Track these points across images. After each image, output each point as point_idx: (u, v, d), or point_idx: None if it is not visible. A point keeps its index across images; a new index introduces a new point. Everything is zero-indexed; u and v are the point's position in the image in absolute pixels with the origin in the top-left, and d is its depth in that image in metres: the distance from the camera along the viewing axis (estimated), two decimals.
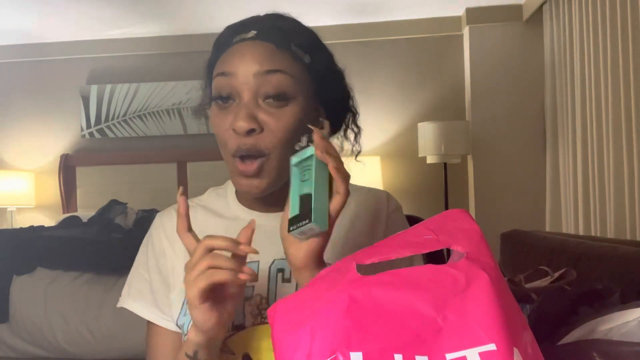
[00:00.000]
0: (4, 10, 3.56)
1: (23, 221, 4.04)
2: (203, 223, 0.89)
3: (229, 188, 0.95)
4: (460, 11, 3.83)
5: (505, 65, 3.70)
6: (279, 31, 0.82)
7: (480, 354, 0.42)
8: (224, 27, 0.89)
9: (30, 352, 2.19)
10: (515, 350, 0.43)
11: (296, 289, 0.82)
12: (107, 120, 4.11)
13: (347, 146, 0.97)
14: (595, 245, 1.67)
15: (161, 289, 0.89)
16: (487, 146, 3.71)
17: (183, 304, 0.85)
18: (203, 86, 0.93)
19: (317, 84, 0.85)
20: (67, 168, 4.08)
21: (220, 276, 0.66)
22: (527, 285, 1.25)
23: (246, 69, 0.78)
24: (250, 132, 0.78)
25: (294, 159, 0.71)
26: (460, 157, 3.66)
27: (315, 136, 0.69)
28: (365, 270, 0.52)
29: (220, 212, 0.92)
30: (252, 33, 0.82)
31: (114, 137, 4.12)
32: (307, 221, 0.66)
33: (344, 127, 0.94)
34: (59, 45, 4.17)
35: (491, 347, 0.42)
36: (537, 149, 3.64)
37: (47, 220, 4.09)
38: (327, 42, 0.93)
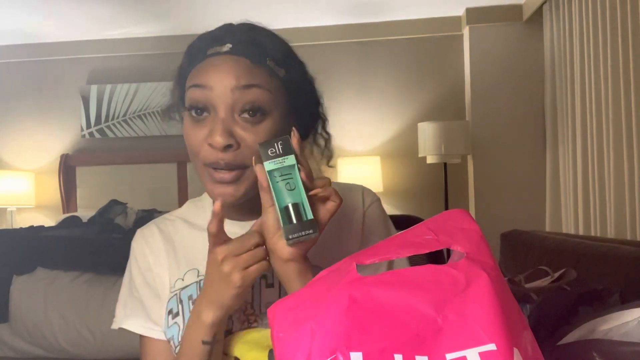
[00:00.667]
0: (5, 10, 3.56)
1: (23, 221, 4.04)
2: (187, 238, 0.91)
3: (208, 199, 0.94)
4: (460, 11, 3.83)
5: (505, 65, 3.70)
6: (254, 46, 0.82)
7: (480, 354, 0.42)
8: (248, 21, 0.89)
9: (30, 352, 2.19)
10: (515, 350, 0.43)
11: (279, 294, 0.83)
12: (107, 120, 4.11)
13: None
14: (595, 245, 1.67)
15: (153, 303, 0.90)
16: (487, 146, 3.71)
17: (167, 314, 0.87)
18: (172, 88, 0.93)
19: (292, 96, 0.85)
20: (67, 168, 4.08)
21: (266, 267, 0.73)
22: (527, 285, 1.25)
23: (223, 83, 0.78)
24: (227, 147, 0.78)
25: (271, 165, 0.71)
26: (460, 157, 3.66)
27: (296, 143, 0.71)
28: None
29: (200, 224, 0.92)
30: (228, 47, 0.81)
31: (114, 137, 4.12)
32: (310, 232, 0.69)
33: (313, 133, 0.95)
34: (59, 45, 4.17)
35: (491, 347, 0.42)
36: (537, 149, 3.64)
37: (47, 220, 4.09)
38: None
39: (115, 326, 0.94)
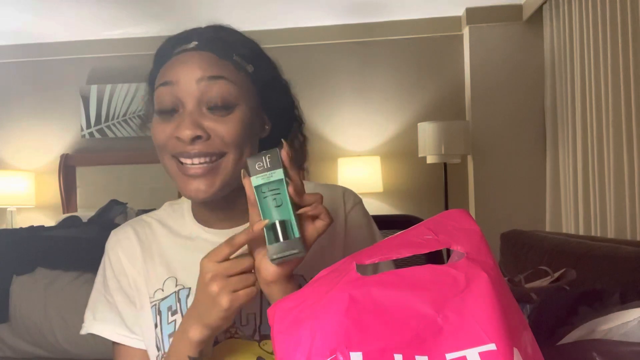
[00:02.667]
0: (4, 10, 3.56)
1: (23, 221, 4.04)
2: (165, 243, 0.88)
3: (185, 203, 0.92)
4: (460, 11, 3.83)
5: (505, 65, 3.70)
6: (220, 41, 0.81)
7: (480, 353, 0.42)
8: (216, 23, 0.88)
9: (30, 352, 2.19)
10: (515, 350, 0.43)
11: (261, 304, 0.81)
12: (107, 120, 4.12)
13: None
14: (596, 245, 1.67)
15: (128, 309, 0.87)
16: (487, 146, 3.71)
17: (158, 324, 0.84)
18: (145, 99, 0.91)
19: (261, 93, 0.84)
20: (67, 168, 4.08)
21: (255, 294, 0.70)
22: (527, 285, 1.25)
23: (188, 76, 0.77)
24: (196, 139, 0.76)
25: (258, 180, 0.66)
26: (460, 157, 3.66)
27: (286, 156, 0.67)
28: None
29: (177, 229, 0.90)
30: (193, 43, 0.81)
31: (114, 137, 4.12)
32: (296, 251, 0.66)
33: (290, 136, 0.92)
34: (59, 45, 4.17)
35: (491, 347, 0.42)
36: (537, 149, 3.64)
37: (47, 220, 4.09)
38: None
39: (84, 331, 0.90)
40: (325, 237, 0.79)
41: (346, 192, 0.92)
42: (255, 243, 0.70)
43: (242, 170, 0.71)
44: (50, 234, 2.47)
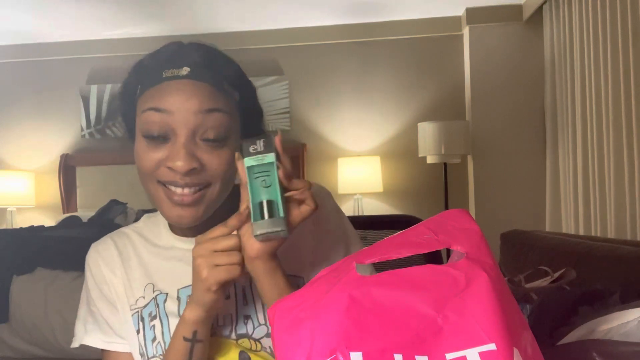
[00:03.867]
0: (4, 10, 3.56)
1: (23, 221, 4.04)
2: (144, 254, 0.91)
3: (161, 216, 0.92)
4: (460, 11, 3.83)
5: (505, 65, 3.70)
6: (211, 69, 0.80)
7: (480, 353, 0.42)
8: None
9: (30, 352, 2.19)
10: (515, 350, 0.43)
11: (236, 305, 0.82)
12: (107, 120, 4.12)
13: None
14: (596, 245, 1.66)
15: (112, 315, 0.89)
16: (487, 146, 3.71)
17: (140, 330, 0.85)
18: (115, 105, 0.91)
19: (244, 118, 0.85)
20: (67, 168, 4.08)
21: (237, 273, 0.72)
22: (527, 285, 1.25)
23: (185, 107, 0.76)
24: (190, 171, 0.77)
25: (251, 162, 0.71)
26: (460, 157, 3.66)
27: (279, 143, 0.71)
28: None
29: (154, 240, 0.92)
30: (186, 70, 0.79)
31: (114, 137, 4.12)
32: (279, 229, 0.69)
33: None
34: (59, 45, 4.17)
35: (491, 346, 0.42)
36: (537, 149, 3.64)
37: (47, 220, 4.09)
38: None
39: (75, 344, 0.92)
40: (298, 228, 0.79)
41: (314, 184, 0.93)
42: (242, 221, 0.72)
43: (236, 153, 0.74)
44: (50, 234, 2.47)
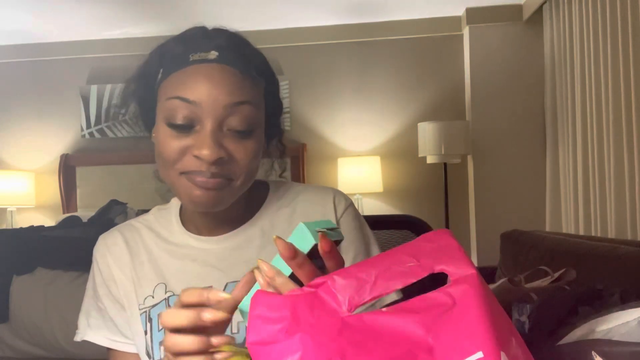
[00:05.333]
0: (4, 10, 3.56)
1: (23, 221, 4.05)
2: (154, 249, 0.87)
3: (173, 209, 0.91)
4: (460, 11, 3.83)
5: (505, 65, 3.70)
6: (239, 53, 0.77)
7: None
8: (223, 27, 0.85)
9: (30, 352, 2.19)
10: (503, 354, 0.44)
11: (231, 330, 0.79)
12: (107, 120, 4.12)
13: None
14: (596, 245, 1.67)
15: (118, 314, 0.86)
16: (487, 146, 3.71)
17: (148, 331, 0.83)
18: (129, 89, 0.86)
19: (269, 109, 0.82)
20: (67, 168, 4.08)
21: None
22: (527, 285, 1.25)
23: (216, 99, 0.73)
24: (217, 160, 0.73)
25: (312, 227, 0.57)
26: (460, 157, 3.66)
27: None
28: None
29: (165, 235, 0.88)
30: (214, 54, 0.75)
31: (114, 137, 4.12)
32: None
33: (272, 146, 0.90)
34: (59, 45, 4.17)
35: (478, 355, 0.44)
36: (537, 149, 3.64)
37: (47, 220, 4.09)
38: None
39: (78, 338, 0.90)
40: None
41: (337, 196, 0.89)
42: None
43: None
44: (50, 234, 2.47)
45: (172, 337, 0.58)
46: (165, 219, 0.90)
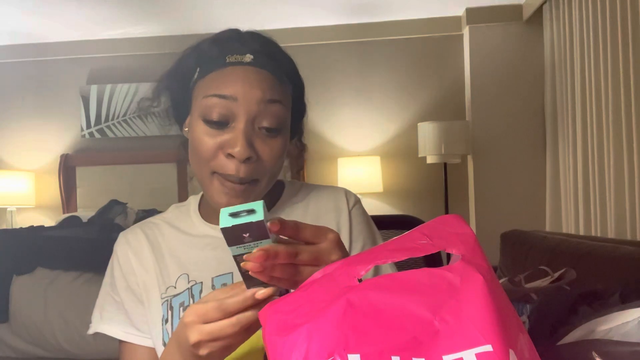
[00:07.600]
0: (4, 10, 3.56)
1: (23, 221, 4.05)
2: (174, 242, 0.90)
3: (192, 205, 0.95)
4: (460, 11, 3.83)
5: (505, 65, 3.70)
6: (273, 59, 0.83)
7: (477, 355, 0.43)
8: (223, 27, 0.88)
9: (30, 352, 2.19)
10: (511, 352, 0.43)
11: None
12: (107, 120, 4.12)
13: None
14: (596, 245, 1.66)
15: (135, 308, 0.88)
16: (487, 146, 3.71)
17: (169, 319, 0.84)
18: (162, 86, 0.90)
19: (294, 112, 0.87)
20: (67, 168, 4.08)
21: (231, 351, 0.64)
22: (527, 285, 1.25)
23: (249, 95, 0.78)
24: (247, 159, 0.78)
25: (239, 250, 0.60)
26: (460, 157, 3.66)
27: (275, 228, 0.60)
28: None
29: (186, 229, 0.92)
30: (249, 57, 0.81)
31: (114, 137, 4.12)
32: None
33: (291, 143, 0.95)
34: (59, 45, 4.17)
35: (487, 348, 0.43)
36: (537, 149, 3.64)
37: (47, 220, 4.09)
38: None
39: (91, 331, 0.91)
40: None
41: (347, 192, 0.97)
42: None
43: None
44: (50, 234, 2.48)
45: (215, 325, 0.60)
46: (184, 214, 0.94)
